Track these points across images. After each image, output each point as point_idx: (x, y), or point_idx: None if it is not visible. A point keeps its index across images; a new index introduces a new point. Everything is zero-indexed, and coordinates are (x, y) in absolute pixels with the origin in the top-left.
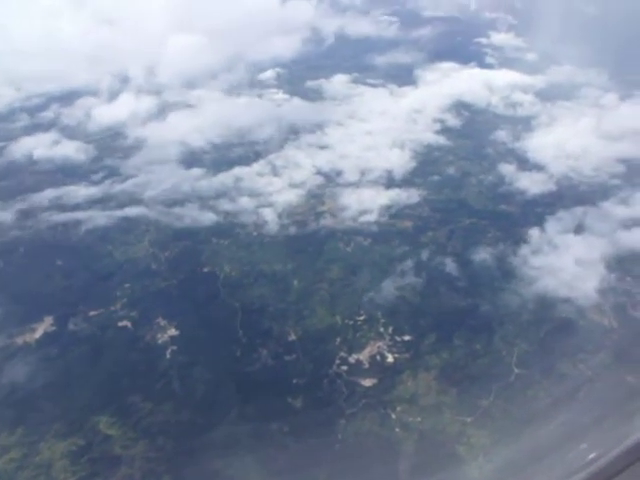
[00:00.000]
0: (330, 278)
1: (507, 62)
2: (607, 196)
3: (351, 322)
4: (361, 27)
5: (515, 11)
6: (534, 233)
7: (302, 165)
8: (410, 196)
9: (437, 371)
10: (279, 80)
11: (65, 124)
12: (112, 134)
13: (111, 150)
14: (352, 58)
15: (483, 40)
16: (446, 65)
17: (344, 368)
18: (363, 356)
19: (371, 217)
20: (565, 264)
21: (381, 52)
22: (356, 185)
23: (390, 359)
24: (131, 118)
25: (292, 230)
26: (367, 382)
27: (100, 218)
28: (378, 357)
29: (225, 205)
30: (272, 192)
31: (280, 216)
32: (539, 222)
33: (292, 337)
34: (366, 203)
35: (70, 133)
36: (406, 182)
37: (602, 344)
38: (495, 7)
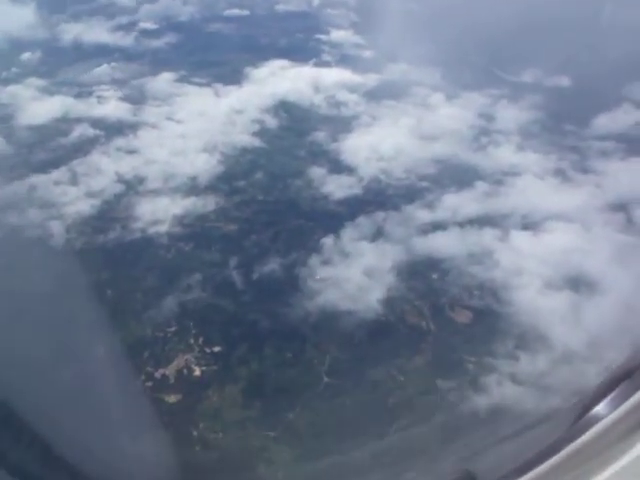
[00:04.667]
0: (145, 287)
1: (344, 60)
2: (412, 199)
3: (162, 334)
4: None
5: (357, 8)
6: (328, 241)
7: (104, 172)
8: (206, 204)
9: (244, 383)
10: (112, 76)
11: None
12: None
13: None
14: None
15: (323, 37)
16: (277, 63)
17: (149, 384)
18: (170, 370)
19: (163, 227)
20: (352, 274)
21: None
22: (156, 193)
23: (197, 372)
24: None
25: (78, 243)
26: (171, 398)
27: None
28: (185, 371)
29: (11, 218)
30: (66, 202)
31: (68, 229)
32: (336, 229)
33: (100, 353)
34: (160, 212)
35: None
36: (209, 188)
37: (417, 348)
38: (337, 3)
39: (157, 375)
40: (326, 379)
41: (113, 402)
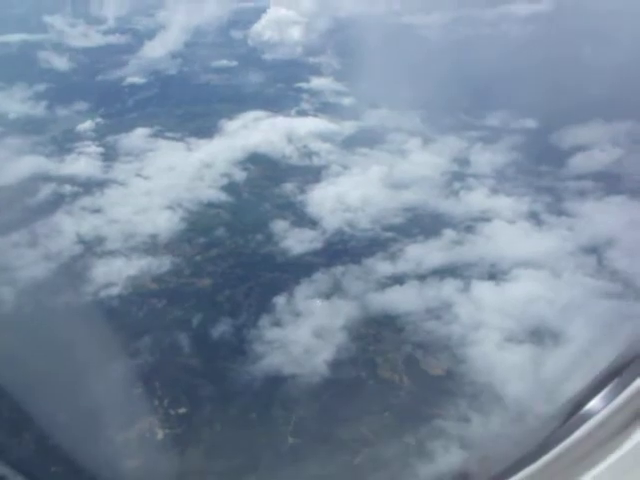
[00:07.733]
0: (114, 347)
1: (323, 108)
2: (375, 252)
3: (126, 396)
4: None
5: (339, 55)
6: (280, 300)
7: (65, 233)
8: (162, 264)
9: (207, 445)
10: (96, 133)
11: None
12: None
13: None
14: None
15: (303, 85)
16: (252, 114)
17: (110, 449)
18: (132, 434)
19: (116, 289)
20: (301, 336)
21: None
22: (113, 254)
23: (160, 435)
24: None
25: (28, 309)
26: (131, 463)
27: None
28: (147, 434)
29: None
30: (20, 266)
31: (19, 294)
32: (290, 287)
33: (62, 419)
34: (114, 274)
35: None
36: (167, 247)
37: (388, 403)
38: (319, 51)
39: (119, 439)
40: (291, 439)
41: (71, 469)
